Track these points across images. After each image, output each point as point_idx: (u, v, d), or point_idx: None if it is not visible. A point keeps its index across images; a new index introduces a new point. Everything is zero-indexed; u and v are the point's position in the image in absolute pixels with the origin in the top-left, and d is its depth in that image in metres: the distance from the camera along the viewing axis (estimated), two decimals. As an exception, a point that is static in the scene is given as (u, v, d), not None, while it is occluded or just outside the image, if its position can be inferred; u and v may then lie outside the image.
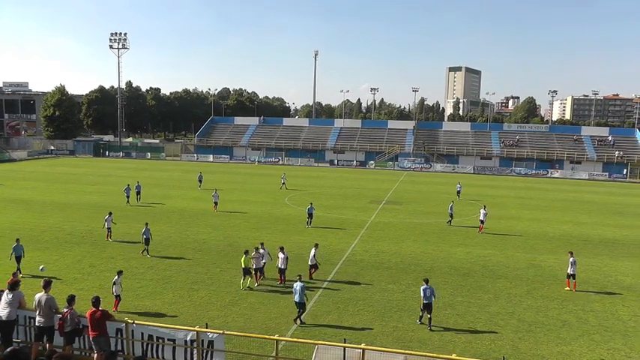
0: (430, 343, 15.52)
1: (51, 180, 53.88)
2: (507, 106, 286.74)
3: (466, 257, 26.02)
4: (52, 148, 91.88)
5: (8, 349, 5.97)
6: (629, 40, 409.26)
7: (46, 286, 12.39)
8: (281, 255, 20.64)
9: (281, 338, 12.93)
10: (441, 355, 11.60)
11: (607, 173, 76.36)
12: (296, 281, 17.11)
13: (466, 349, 15.04)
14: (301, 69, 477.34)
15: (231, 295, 19.19)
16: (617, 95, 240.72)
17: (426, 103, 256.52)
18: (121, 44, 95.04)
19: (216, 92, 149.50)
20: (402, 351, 11.98)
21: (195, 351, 11.84)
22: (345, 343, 11.66)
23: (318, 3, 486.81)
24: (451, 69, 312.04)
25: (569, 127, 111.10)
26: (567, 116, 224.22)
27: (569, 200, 49.70)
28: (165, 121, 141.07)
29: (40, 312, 11.96)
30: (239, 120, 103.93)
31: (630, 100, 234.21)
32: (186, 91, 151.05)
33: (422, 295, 16.90)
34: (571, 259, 21.19)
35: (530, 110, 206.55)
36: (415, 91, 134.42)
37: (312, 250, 21.61)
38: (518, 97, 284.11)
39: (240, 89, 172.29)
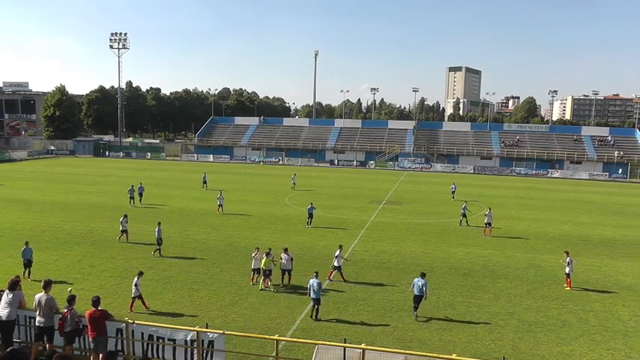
0: (430, 343, 15.51)
1: (51, 180, 53.89)
2: (507, 106, 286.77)
3: (466, 257, 26.02)
4: (52, 148, 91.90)
5: (8, 349, 5.98)
6: (629, 40, 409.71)
7: (46, 286, 12.39)
8: (285, 256, 20.61)
9: (281, 338, 12.93)
10: (441, 355, 11.60)
11: (607, 173, 76.37)
12: (312, 278, 17.43)
13: (466, 349, 15.04)
14: (301, 69, 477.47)
15: (231, 295, 19.20)
16: (617, 95, 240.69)
17: (426, 103, 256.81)
18: (121, 44, 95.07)
19: (216, 92, 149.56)
20: (402, 351, 11.98)
21: (195, 351, 11.84)
22: (345, 343, 11.66)
23: (318, 3, 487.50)
24: (451, 69, 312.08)
25: (569, 127, 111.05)
26: (567, 116, 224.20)
27: (569, 200, 49.70)
28: (165, 121, 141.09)
29: (40, 312, 11.95)
30: (239, 120, 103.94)
31: (630, 100, 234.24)
32: (186, 91, 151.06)
33: (414, 286, 17.36)
34: (567, 259, 21.43)
35: (530, 110, 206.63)
36: (415, 91, 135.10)
37: (337, 252, 21.54)
38: (518, 97, 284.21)
39: (240, 89, 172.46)
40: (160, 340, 12.09)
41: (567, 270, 21.30)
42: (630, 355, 15.21)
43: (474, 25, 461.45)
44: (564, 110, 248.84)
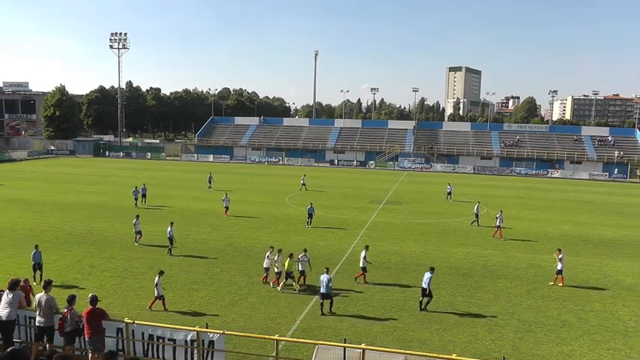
0: (430, 343, 15.52)
1: (51, 180, 53.90)
2: (507, 106, 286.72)
3: (466, 257, 26.02)
4: (52, 148, 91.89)
5: (8, 349, 5.98)
6: (629, 40, 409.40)
7: (46, 286, 12.40)
8: (303, 257, 20.66)
9: (281, 338, 12.93)
10: (441, 355, 11.60)
11: (607, 173, 76.37)
12: (322, 273, 17.77)
13: (466, 349, 15.03)
14: (301, 69, 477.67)
15: (231, 295, 19.20)
16: (617, 95, 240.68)
17: (426, 103, 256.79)
18: (121, 44, 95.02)
19: (216, 92, 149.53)
20: (402, 351, 11.98)
21: (195, 351, 11.84)
22: (345, 343, 11.67)
23: (318, 3, 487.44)
24: (451, 69, 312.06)
25: (569, 127, 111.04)
26: (567, 116, 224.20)
27: (569, 200, 49.70)
28: (165, 121, 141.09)
29: (40, 312, 11.96)
30: (239, 120, 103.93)
31: (630, 100, 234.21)
32: (186, 91, 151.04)
33: (423, 279, 18.21)
34: (559, 256, 21.69)
35: (530, 110, 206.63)
36: (415, 91, 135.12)
37: (363, 252, 21.57)
38: (518, 97, 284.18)
39: (241, 89, 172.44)
40: (160, 340, 12.10)
41: (559, 267, 21.59)
42: (630, 355, 15.21)
43: (474, 25, 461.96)
44: (564, 110, 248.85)
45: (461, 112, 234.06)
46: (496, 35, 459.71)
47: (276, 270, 20.24)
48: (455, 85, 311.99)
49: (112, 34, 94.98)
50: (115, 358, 9.55)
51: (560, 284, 21.52)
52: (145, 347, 12.21)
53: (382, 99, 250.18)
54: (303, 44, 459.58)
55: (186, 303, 18.19)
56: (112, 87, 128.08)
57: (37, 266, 19.99)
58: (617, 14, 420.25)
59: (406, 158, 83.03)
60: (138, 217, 27.13)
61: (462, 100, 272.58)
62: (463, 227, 33.93)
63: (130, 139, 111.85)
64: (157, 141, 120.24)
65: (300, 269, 20.38)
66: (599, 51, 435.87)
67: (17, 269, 21.25)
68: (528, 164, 79.16)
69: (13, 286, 12.27)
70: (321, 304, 17.54)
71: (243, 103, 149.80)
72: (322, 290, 17.43)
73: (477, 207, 35.05)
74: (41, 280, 19.49)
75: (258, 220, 34.42)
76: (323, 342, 12.23)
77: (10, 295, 12.04)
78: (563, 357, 14.96)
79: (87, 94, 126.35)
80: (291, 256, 20.25)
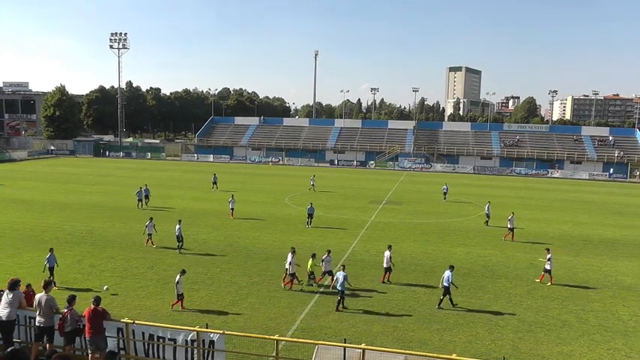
0: (430, 343, 15.52)
1: (51, 180, 53.90)
2: (507, 106, 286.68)
3: (466, 257, 26.02)
4: (52, 148, 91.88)
5: (8, 349, 5.97)
6: (629, 40, 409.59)
7: (46, 286, 12.39)
8: (327, 257, 20.74)
9: (281, 338, 12.93)
10: (441, 355, 11.60)
11: (607, 173, 76.35)
12: (339, 270, 18.44)
13: (466, 349, 15.04)
14: (301, 69, 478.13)
15: (231, 295, 19.20)
16: (617, 95, 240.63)
17: (426, 103, 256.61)
18: (121, 44, 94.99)
19: (217, 92, 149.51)
20: (402, 351, 11.97)
21: (195, 351, 11.84)
22: (345, 343, 11.66)
23: (318, 3, 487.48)
24: (451, 69, 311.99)
25: (569, 127, 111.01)
26: (567, 116, 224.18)
27: (569, 200, 49.69)
28: (165, 121, 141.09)
29: (40, 312, 11.96)
30: (239, 120, 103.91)
31: (630, 100, 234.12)
32: (186, 91, 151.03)
33: (443, 279, 18.64)
34: (548, 256, 21.81)
35: (530, 110, 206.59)
36: (415, 91, 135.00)
37: (387, 252, 21.60)
38: (518, 97, 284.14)
39: (240, 89, 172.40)
40: (161, 340, 12.09)
41: (547, 266, 21.74)
42: (630, 355, 15.22)
43: (474, 25, 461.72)
44: (564, 110, 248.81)
45: (461, 112, 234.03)
46: (496, 35, 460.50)
47: (291, 271, 20.06)
48: (455, 85, 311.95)
49: (112, 34, 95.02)
50: (115, 358, 9.56)
51: (549, 283, 21.63)
52: (146, 347, 12.20)
53: (382, 99, 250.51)
54: (303, 44, 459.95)
55: (186, 303, 18.16)
56: (112, 87, 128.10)
57: (50, 270, 19.51)
58: (617, 14, 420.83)
59: (406, 158, 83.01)
60: (151, 219, 26.90)
61: (462, 100, 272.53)
62: (463, 227, 33.93)
63: (130, 139, 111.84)
64: (157, 141, 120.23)
65: (325, 269, 20.50)
66: (599, 51, 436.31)
67: (17, 269, 21.27)
68: (528, 164, 79.14)
69: (13, 286, 12.26)
70: (338, 301, 18.01)
71: (243, 103, 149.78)
72: (338, 287, 18.01)
73: (488, 207, 35.06)
74: (52, 283, 19.32)
75: (258, 220, 34.41)
76: (323, 342, 12.23)
77: (10, 295, 12.03)
78: (563, 357, 14.96)
79: (87, 94, 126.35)
80: (313, 256, 20.51)
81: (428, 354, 12.16)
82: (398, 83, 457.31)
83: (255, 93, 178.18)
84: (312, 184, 50.50)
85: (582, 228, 35.38)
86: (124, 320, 12.32)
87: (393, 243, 28.62)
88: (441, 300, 18.61)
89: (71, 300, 11.99)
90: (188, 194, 45.57)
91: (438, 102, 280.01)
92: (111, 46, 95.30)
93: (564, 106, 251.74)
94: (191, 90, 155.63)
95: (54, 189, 46.83)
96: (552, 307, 19.02)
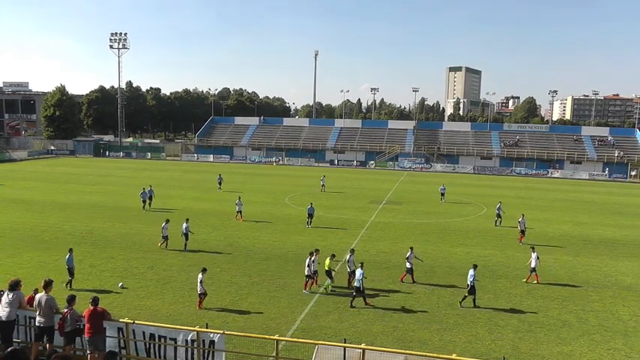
0: (430, 343, 15.52)
1: (51, 180, 53.89)
2: (507, 106, 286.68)
3: (466, 257, 26.01)
4: (52, 148, 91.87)
5: (8, 349, 5.98)
6: (629, 40, 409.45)
7: (47, 286, 12.39)
8: (351, 257, 20.87)
9: (281, 338, 12.93)
10: (441, 355, 11.60)
11: (607, 173, 76.33)
12: (357, 268, 18.69)
13: (466, 349, 15.04)
14: (301, 69, 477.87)
15: (231, 295, 19.21)
16: (617, 95, 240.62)
17: (426, 103, 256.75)
18: (121, 44, 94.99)
19: (216, 92, 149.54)
20: (402, 351, 11.97)
21: (195, 351, 11.84)
22: (345, 343, 11.66)
23: (318, 3, 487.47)
24: (451, 69, 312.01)
25: (569, 127, 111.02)
26: (567, 116, 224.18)
27: (569, 200, 49.69)
28: (165, 121, 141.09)
29: (40, 312, 11.96)
30: (239, 120, 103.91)
31: (630, 100, 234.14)
32: (186, 91, 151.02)
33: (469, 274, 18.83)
34: (534, 255, 21.97)
35: (530, 110, 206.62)
36: (415, 91, 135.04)
37: (408, 253, 21.64)
38: (518, 97, 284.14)
39: (241, 89, 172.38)
40: (161, 340, 12.09)
41: (534, 265, 21.83)
42: (630, 355, 15.21)
43: (473, 25, 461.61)
44: (564, 110, 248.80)
45: (461, 112, 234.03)
46: (496, 35, 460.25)
47: (309, 272, 19.91)
48: (455, 85, 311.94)
49: (112, 34, 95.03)
50: (115, 358, 9.55)
51: (535, 281, 21.74)
52: (146, 347, 12.20)
53: (382, 99, 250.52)
54: (303, 44, 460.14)
55: (186, 303, 18.19)
56: (112, 87, 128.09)
57: (70, 272, 19.40)
58: (617, 14, 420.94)
59: (406, 158, 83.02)
60: (168, 221, 26.54)
61: (462, 100, 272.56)
62: (463, 227, 33.93)
63: (130, 139, 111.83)
64: (157, 141, 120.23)
65: (350, 269, 20.47)
66: (599, 51, 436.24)
67: (17, 269, 21.28)
68: (528, 164, 79.15)
69: (14, 286, 12.27)
70: (354, 296, 18.35)
71: (243, 103, 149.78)
72: (355, 284, 18.39)
73: (499, 207, 35.01)
74: (70, 286, 19.18)
75: (258, 220, 34.40)
76: (323, 342, 12.23)
77: (10, 296, 12.03)
78: (563, 357, 14.96)
79: (87, 94, 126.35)
80: (332, 256, 20.73)
81: (428, 354, 12.16)
82: (398, 83, 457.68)
83: (255, 93, 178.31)
84: (323, 185, 50.27)
85: (582, 228, 35.38)
86: (124, 320, 12.32)
87: (393, 243, 28.72)
88: (464, 297, 18.80)
89: (71, 300, 11.99)
90: (188, 194, 45.56)
91: (438, 102, 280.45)
92: (111, 46, 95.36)
93: (564, 106, 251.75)
94: (191, 90, 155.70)
95: (54, 189, 46.82)
96: (552, 307, 19.02)
